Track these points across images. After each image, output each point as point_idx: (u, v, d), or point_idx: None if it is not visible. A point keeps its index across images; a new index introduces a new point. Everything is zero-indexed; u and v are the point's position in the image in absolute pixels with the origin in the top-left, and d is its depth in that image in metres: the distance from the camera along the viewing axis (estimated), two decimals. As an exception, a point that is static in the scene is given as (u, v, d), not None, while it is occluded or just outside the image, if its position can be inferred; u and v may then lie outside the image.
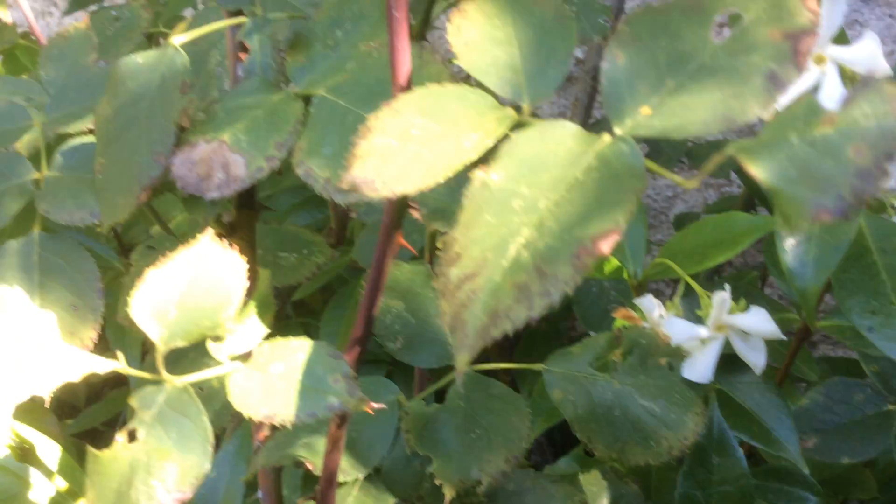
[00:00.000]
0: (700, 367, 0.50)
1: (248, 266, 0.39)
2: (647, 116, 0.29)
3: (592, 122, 0.99)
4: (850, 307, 0.50)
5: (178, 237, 0.65)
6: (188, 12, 0.93)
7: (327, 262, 0.65)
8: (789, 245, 0.47)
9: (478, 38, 0.33)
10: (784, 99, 0.41)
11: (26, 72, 0.76)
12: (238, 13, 0.49)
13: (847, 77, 0.42)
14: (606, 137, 0.29)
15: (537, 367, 0.49)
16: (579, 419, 0.47)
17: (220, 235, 0.47)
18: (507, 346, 1.08)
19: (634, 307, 0.54)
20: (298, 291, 0.81)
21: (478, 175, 0.29)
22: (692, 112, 0.29)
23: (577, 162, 0.29)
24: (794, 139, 0.25)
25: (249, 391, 0.36)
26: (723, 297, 0.49)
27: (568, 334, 1.05)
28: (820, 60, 0.41)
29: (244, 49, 0.47)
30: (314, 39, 0.46)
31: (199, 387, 0.55)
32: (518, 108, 0.32)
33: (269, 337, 0.42)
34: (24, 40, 0.77)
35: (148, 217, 0.66)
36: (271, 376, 0.36)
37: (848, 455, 0.61)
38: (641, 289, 0.60)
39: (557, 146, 0.29)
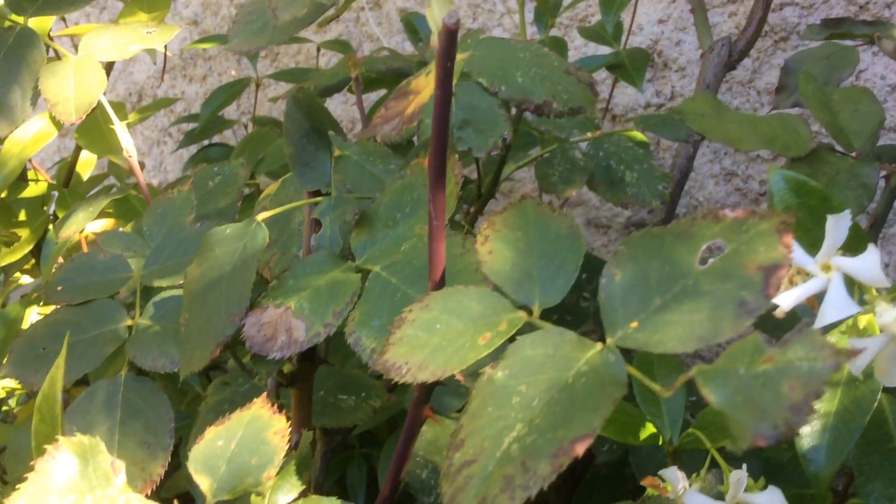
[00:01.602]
0: (719, 540, 0.52)
1: (302, 424, 0.44)
2: (634, 330, 0.34)
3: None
4: (868, 492, 0.52)
5: (249, 372, 0.71)
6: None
7: (383, 405, 0.70)
8: (805, 431, 0.50)
9: (500, 247, 0.39)
10: (794, 299, 0.45)
11: (138, 215, 0.85)
12: (317, 193, 0.56)
13: (851, 283, 0.45)
14: (598, 346, 0.34)
15: (562, 527, 0.52)
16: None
17: (281, 385, 0.53)
18: (565, 490, 1.10)
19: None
20: (361, 425, 0.86)
21: (487, 371, 0.34)
22: (672, 330, 0.33)
23: (570, 367, 0.34)
24: (741, 371, 0.29)
25: (282, 541, 0.40)
26: (739, 475, 0.52)
27: (632, 481, 1.06)
28: (826, 268, 0.45)
29: (319, 224, 0.54)
30: (377, 219, 0.52)
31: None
32: (529, 311, 0.38)
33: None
34: (134, 190, 0.87)
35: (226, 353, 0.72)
36: (303, 530, 0.40)
37: None
38: (677, 455, 0.63)
39: (556, 350, 0.34)
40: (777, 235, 0.34)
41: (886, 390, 0.54)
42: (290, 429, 0.43)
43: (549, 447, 0.31)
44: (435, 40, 0.36)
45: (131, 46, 0.63)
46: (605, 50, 1.12)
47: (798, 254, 0.45)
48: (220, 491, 0.41)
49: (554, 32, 1.25)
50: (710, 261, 0.35)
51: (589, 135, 0.86)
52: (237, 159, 0.75)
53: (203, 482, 0.42)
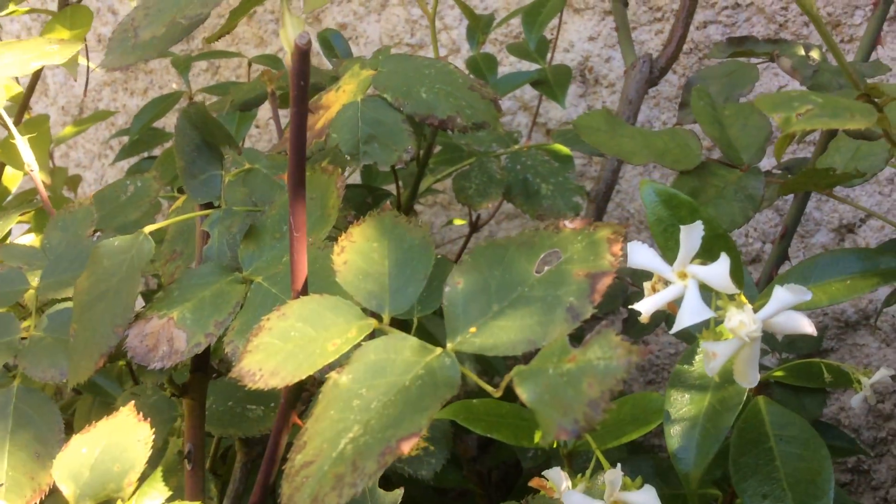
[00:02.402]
0: (597, 539, 0.54)
1: (195, 434, 0.45)
2: (472, 335, 0.36)
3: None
4: (743, 489, 0.54)
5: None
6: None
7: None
8: (675, 431, 0.52)
9: (355, 258, 0.40)
10: (653, 305, 0.47)
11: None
12: (209, 205, 0.57)
13: (706, 288, 0.48)
14: (437, 350, 0.36)
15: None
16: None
17: (173, 395, 0.54)
18: (498, 497, 1.12)
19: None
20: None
21: (332, 375, 0.36)
22: (505, 334, 0.35)
23: (409, 370, 0.35)
24: (550, 370, 0.31)
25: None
26: (615, 475, 0.53)
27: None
28: (683, 276, 0.47)
29: (209, 236, 0.55)
30: (264, 231, 0.53)
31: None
32: (380, 318, 0.39)
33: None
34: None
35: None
36: (164, 533, 0.42)
37: None
38: (572, 458, 0.65)
39: (398, 355, 0.36)
40: (607, 245, 0.36)
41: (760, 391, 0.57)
42: (166, 437, 0.44)
43: (379, 446, 0.32)
44: (288, 60, 0.38)
45: (32, 63, 0.64)
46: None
47: (657, 263, 0.47)
48: (82, 497, 0.42)
49: (489, 49, 1.27)
50: (546, 269, 0.37)
51: (513, 149, 0.88)
52: (151, 172, 0.76)
53: (67, 489, 0.42)
